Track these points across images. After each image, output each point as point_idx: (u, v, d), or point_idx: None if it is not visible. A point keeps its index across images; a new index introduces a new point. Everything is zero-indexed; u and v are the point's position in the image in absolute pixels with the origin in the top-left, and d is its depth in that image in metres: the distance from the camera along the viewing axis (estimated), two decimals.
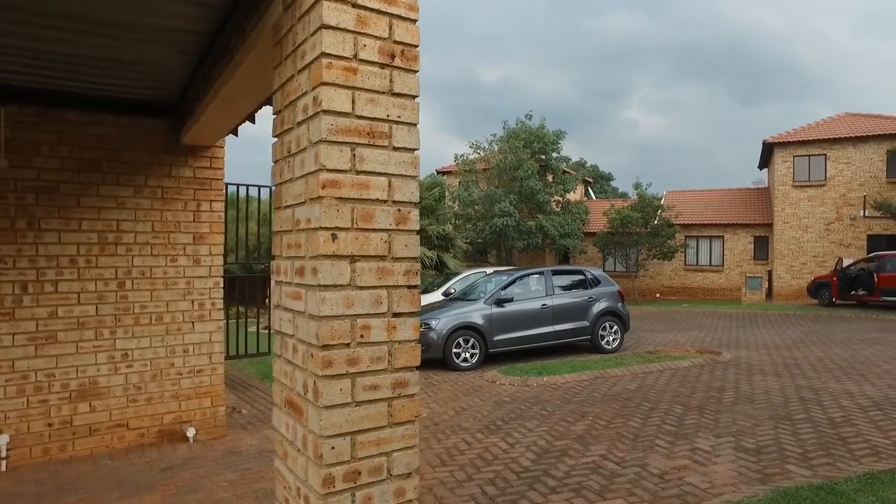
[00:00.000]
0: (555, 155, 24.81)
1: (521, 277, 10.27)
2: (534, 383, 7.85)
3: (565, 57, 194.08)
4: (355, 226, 2.00)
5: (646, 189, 23.84)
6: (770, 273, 23.41)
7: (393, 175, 2.09)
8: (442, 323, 9.30)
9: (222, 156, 5.52)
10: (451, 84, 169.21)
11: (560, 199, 24.81)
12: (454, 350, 9.20)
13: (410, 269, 2.13)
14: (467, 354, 9.27)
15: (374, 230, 2.05)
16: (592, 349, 10.23)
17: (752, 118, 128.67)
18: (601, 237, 24.22)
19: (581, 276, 10.68)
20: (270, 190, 8.01)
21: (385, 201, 2.08)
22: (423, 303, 11.50)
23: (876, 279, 17.34)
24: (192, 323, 5.32)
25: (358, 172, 2.01)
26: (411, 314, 2.13)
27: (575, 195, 27.61)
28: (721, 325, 14.58)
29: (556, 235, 23.40)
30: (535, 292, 10.17)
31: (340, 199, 1.97)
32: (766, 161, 26.24)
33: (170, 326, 5.23)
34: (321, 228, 1.94)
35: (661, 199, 25.47)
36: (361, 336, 2.00)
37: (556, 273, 10.51)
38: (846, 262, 19.55)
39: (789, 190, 22.76)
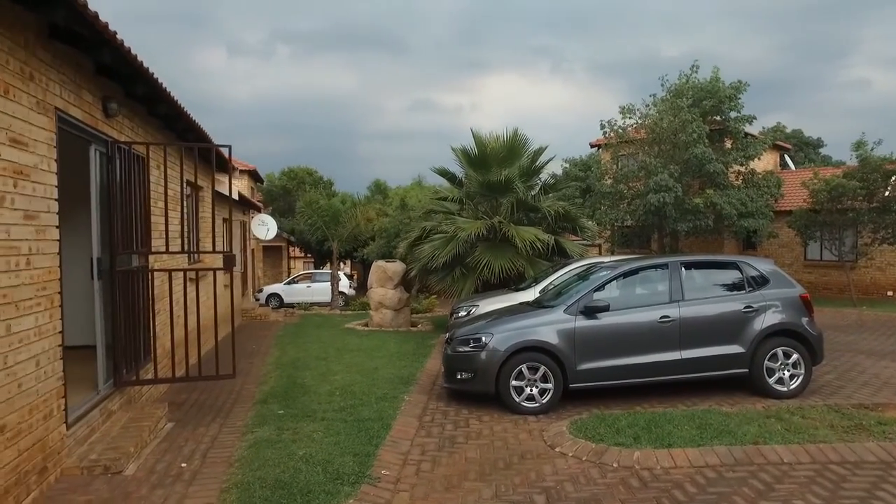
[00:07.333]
0: (733, 114, 19.42)
1: (628, 273, 6.67)
2: (613, 461, 4.48)
3: (764, 19, 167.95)
4: None
5: (872, 150, 17.39)
6: None
7: None
8: (496, 340, 6.21)
9: None
10: (636, 63, 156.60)
11: (741, 169, 19.43)
12: (513, 382, 6.07)
13: None
14: (535, 390, 6.08)
15: None
16: (753, 390, 6.34)
17: None
18: (799, 216, 18.32)
19: (735, 273, 6.72)
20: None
21: None
22: (512, 303, 8.42)
23: None
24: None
25: None
26: None
27: (763, 164, 21.70)
28: None
29: (735, 215, 18.24)
30: (651, 297, 6.53)
31: None
32: None
33: None
34: None
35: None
36: None
37: (689, 266, 6.70)
38: None
39: None
